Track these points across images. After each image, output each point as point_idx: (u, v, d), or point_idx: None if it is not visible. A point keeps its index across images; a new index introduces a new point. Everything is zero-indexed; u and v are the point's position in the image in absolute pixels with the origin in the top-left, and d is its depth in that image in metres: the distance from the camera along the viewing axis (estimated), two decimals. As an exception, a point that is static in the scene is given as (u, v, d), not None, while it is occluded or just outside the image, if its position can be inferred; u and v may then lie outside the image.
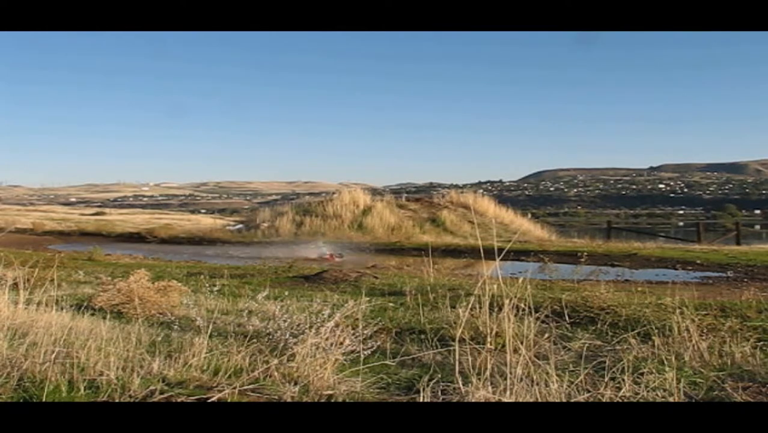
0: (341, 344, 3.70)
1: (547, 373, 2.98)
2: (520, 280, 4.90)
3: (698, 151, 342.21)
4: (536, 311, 4.38)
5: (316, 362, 3.41)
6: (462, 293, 6.63)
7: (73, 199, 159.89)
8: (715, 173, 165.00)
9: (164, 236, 31.82)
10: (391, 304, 6.68)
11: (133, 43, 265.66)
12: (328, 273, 11.16)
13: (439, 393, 3.06)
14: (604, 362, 3.25)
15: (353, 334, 3.89)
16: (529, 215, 43.41)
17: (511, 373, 2.93)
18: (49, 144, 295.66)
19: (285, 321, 4.18)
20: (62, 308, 4.93)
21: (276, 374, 3.33)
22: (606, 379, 3.04)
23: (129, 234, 33.96)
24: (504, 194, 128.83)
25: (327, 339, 3.68)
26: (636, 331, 4.25)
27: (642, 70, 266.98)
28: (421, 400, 2.91)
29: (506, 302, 3.70)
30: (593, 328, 4.99)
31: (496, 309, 3.95)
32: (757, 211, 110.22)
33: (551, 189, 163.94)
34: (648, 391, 3.01)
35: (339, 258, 18.81)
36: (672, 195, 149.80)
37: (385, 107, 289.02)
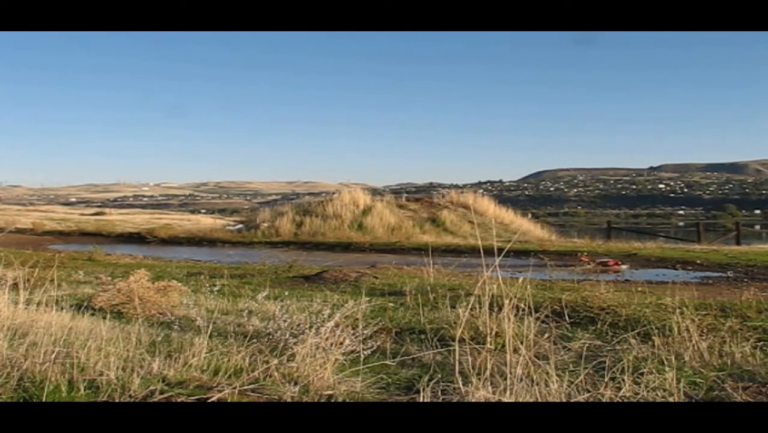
0: (341, 344, 3.70)
1: (547, 373, 2.98)
2: (520, 280, 4.90)
3: (698, 151, 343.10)
4: (536, 311, 4.38)
5: (316, 362, 3.41)
6: (462, 293, 6.63)
7: (73, 199, 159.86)
8: (715, 173, 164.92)
9: (164, 236, 31.78)
10: (391, 304, 6.68)
11: (133, 43, 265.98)
12: (328, 273, 11.16)
13: (439, 393, 3.05)
14: (604, 362, 3.25)
15: (353, 334, 3.89)
16: (529, 215, 43.42)
17: (511, 373, 2.93)
18: (49, 144, 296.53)
19: (285, 321, 4.18)
20: (62, 308, 4.93)
21: (276, 374, 3.33)
22: (606, 379, 3.04)
23: (129, 234, 33.92)
24: (504, 194, 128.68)
25: (327, 339, 3.68)
26: (636, 331, 4.24)
27: (641, 70, 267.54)
28: (421, 400, 2.91)
29: (506, 302, 3.70)
30: (593, 328, 4.99)
31: (496, 309, 3.95)
32: (757, 211, 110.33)
33: (551, 189, 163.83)
34: (648, 391, 3.01)
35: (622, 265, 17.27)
36: (672, 195, 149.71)
37: (385, 107, 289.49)
